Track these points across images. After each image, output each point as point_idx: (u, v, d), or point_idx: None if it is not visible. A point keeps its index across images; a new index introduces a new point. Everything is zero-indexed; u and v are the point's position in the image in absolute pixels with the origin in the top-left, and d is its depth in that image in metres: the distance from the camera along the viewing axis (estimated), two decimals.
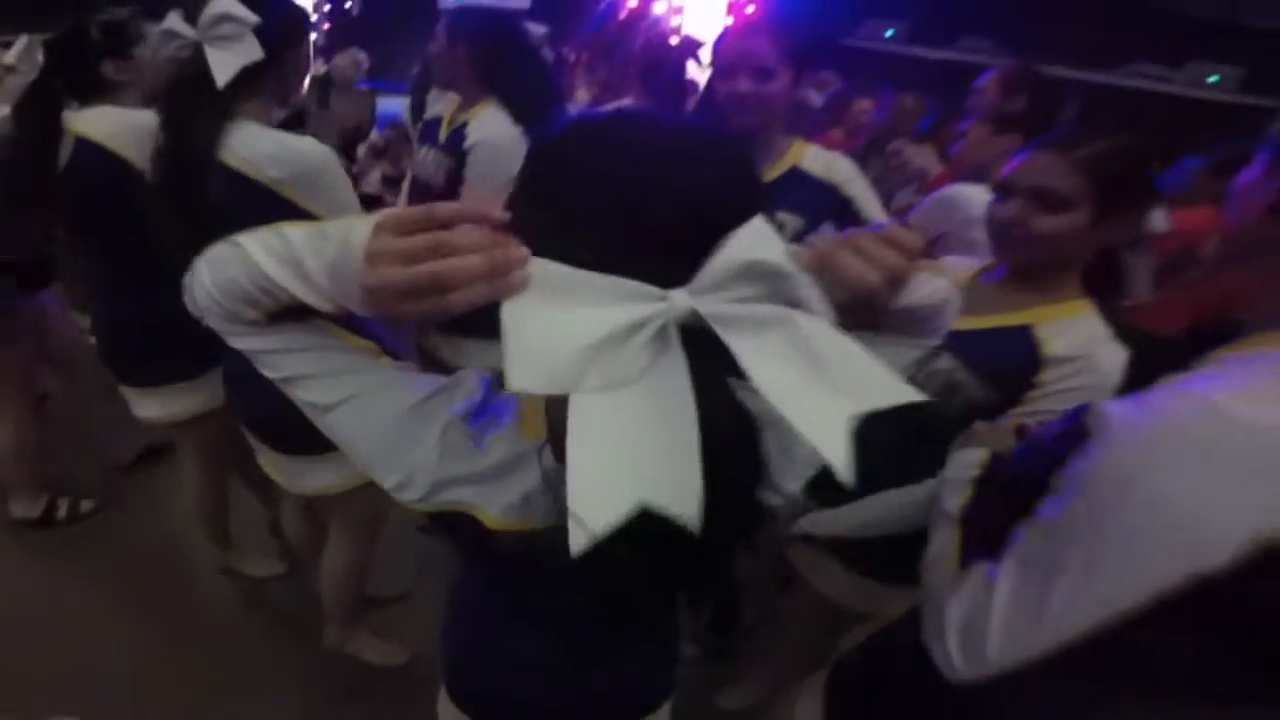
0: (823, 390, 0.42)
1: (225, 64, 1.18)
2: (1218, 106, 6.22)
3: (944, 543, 0.78)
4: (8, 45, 2.37)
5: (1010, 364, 1.03)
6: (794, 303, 0.43)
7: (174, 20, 1.21)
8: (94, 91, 1.52)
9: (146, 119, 1.43)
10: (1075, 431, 0.66)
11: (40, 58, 1.52)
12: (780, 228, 1.38)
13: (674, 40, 2.73)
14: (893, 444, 1.09)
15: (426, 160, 1.74)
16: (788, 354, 0.42)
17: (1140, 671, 0.66)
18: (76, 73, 1.51)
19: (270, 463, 1.48)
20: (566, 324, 0.40)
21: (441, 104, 1.89)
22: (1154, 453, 0.57)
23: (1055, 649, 0.60)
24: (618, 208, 0.45)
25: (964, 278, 1.16)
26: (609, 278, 0.42)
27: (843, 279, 0.47)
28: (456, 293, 0.42)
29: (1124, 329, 1.76)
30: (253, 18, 1.19)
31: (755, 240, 0.43)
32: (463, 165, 1.62)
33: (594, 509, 0.38)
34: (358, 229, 0.47)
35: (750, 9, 5.83)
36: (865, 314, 0.51)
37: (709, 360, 0.42)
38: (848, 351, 0.43)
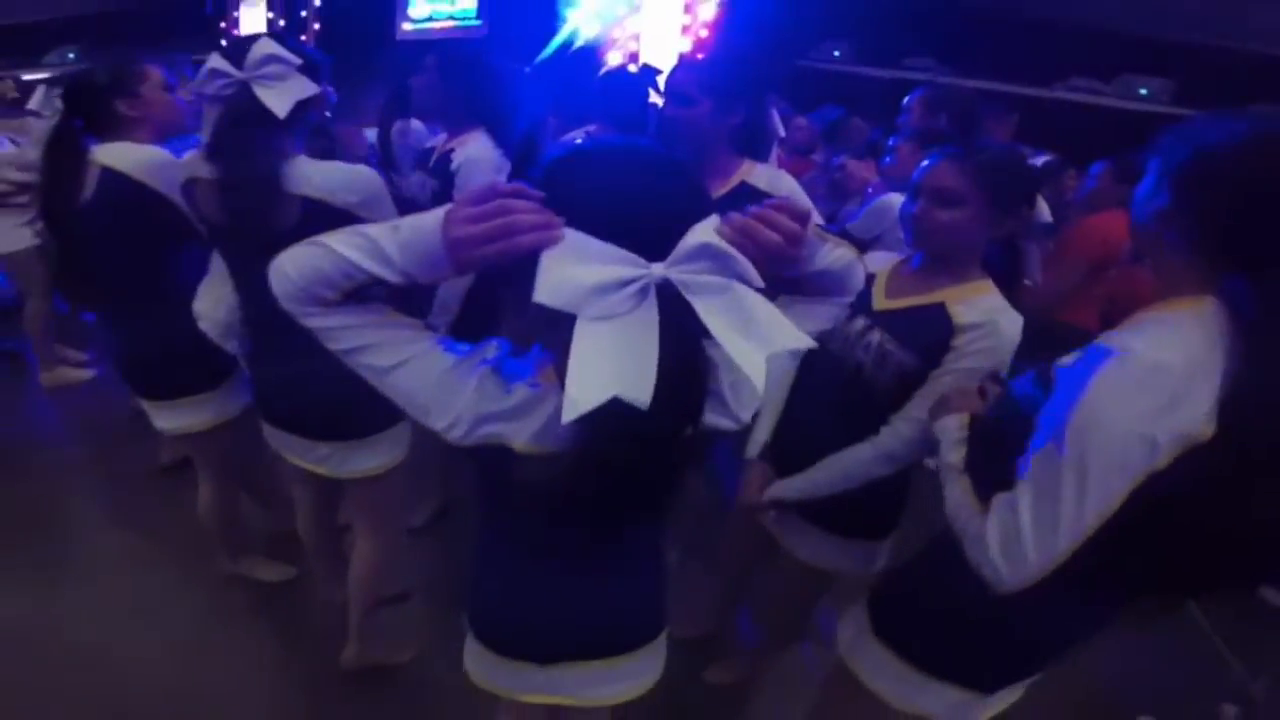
0: (749, 335, 0.61)
1: (280, 99, 1.26)
2: (1150, 117, 6.60)
3: (958, 490, 0.98)
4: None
5: (929, 334, 1.24)
6: (735, 277, 0.62)
7: (217, 60, 1.27)
8: (110, 129, 1.62)
9: (162, 154, 1.57)
10: (1040, 384, 0.89)
11: (59, 102, 1.63)
12: None
13: (632, 68, 2.92)
14: (838, 406, 1.29)
15: (413, 182, 1.93)
16: (728, 310, 0.61)
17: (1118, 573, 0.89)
18: (92, 113, 1.61)
19: (318, 456, 1.57)
20: (580, 270, 0.60)
21: (414, 136, 2.06)
22: (1101, 392, 0.79)
23: (1075, 549, 0.82)
24: (607, 216, 0.64)
25: (888, 268, 1.38)
26: (617, 249, 0.61)
27: (754, 241, 0.65)
28: (519, 238, 0.61)
29: (1047, 323, 1.99)
30: (295, 58, 1.28)
31: (707, 230, 0.63)
32: (448, 184, 1.81)
33: (582, 394, 0.59)
34: (427, 215, 0.67)
35: (704, 33, 6.11)
36: (782, 268, 0.71)
37: (675, 313, 0.62)
38: (767, 310, 0.63)
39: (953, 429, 1.08)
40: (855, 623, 1.22)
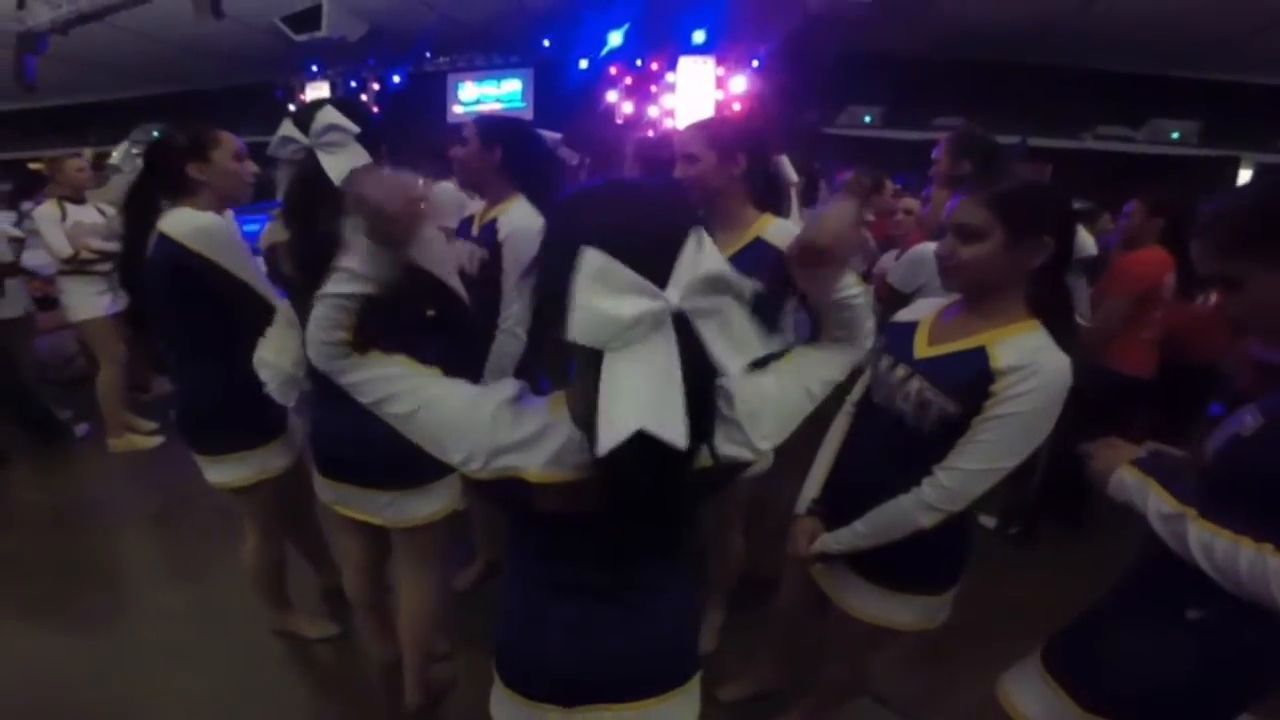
0: (734, 349, 0.70)
1: (338, 166, 1.36)
2: (1182, 160, 6.55)
3: (1208, 535, 0.95)
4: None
5: (968, 380, 1.20)
6: (732, 293, 0.70)
7: (288, 127, 1.39)
8: (179, 191, 1.72)
9: (215, 221, 1.67)
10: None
11: (139, 161, 1.76)
12: None
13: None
14: (884, 458, 1.28)
15: (461, 251, 1.98)
16: (721, 330, 0.70)
17: None
18: (166, 174, 1.72)
19: (378, 505, 1.60)
20: (610, 304, 0.65)
21: (472, 205, 2.17)
22: None
23: None
24: (612, 246, 0.67)
25: (932, 315, 1.37)
26: (636, 276, 0.66)
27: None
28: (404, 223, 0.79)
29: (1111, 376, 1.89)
30: (354, 127, 1.38)
31: (705, 257, 0.69)
32: (496, 253, 1.87)
33: (615, 427, 0.65)
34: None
35: (736, 107, 6.33)
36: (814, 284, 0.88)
37: (684, 338, 0.68)
38: (748, 328, 0.71)
39: (1130, 482, 1.06)
40: (1048, 702, 1.16)
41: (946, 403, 1.22)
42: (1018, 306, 1.24)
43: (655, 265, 0.67)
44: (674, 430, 0.64)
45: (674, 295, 0.67)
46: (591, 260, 0.65)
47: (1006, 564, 2.62)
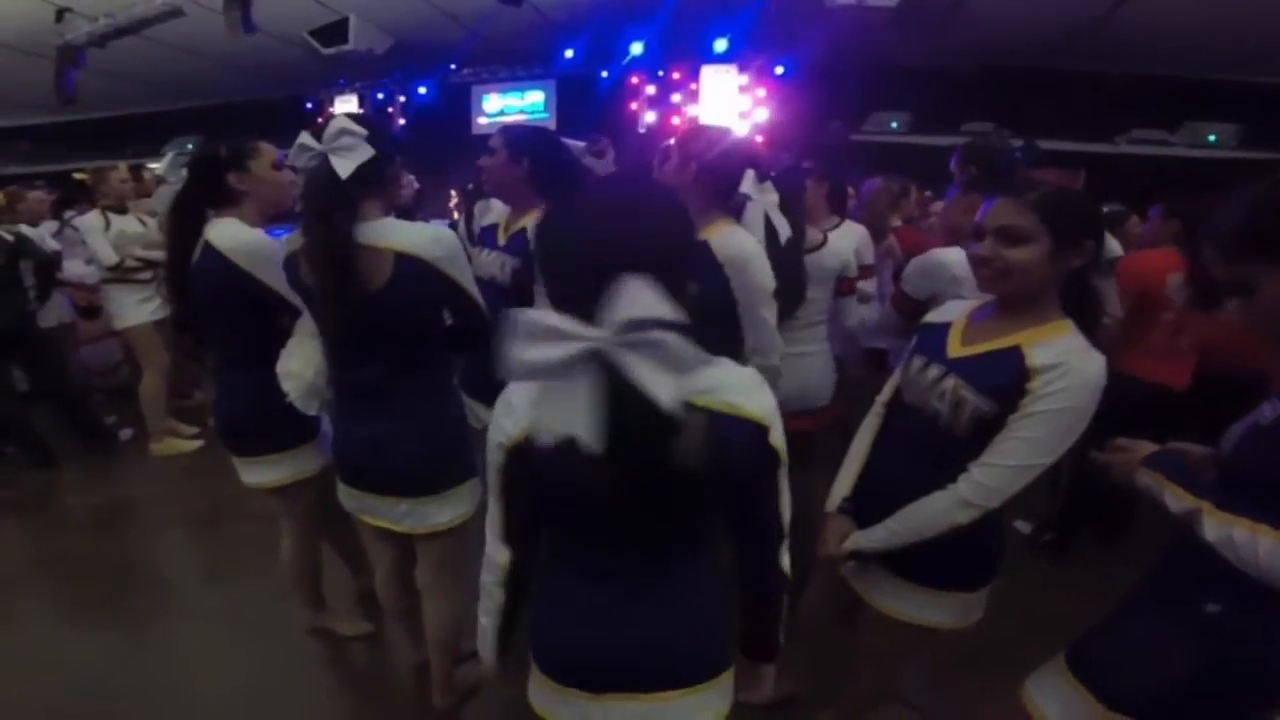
0: (668, 374, 0.72)
1: (345, 165, 1.42)
2: (1221, 164, 6.41)
3: (1225, 526, 0.95)
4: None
5: (1004, 379, 1.21)
6: (665, 326, 0.71)
7: (305, 137, 1.45)
8: (223, 201, 1.79)
9: (258, 237, 1.74)
10: None
11: (184, 171, 1.83)
12: None
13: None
14: (918, 456, 1.28)
15: (489, 261, 2.01)
16: (655, 360, 0.71)
17: None
18: (209, 183, 1.78)
19: (398, 514, 1.63)
20: (533, 357, 0.72)
21: (493, 213, 2.20)
22: None
23: None
24: (559, 273, 0.79)
25: (964, 315, 1.37)
26: (560, 321, 0.71)
27: None
28: None
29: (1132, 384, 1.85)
30: (363, 130, 1.44)
31: (640, 301, 0.70)
32: (527, 263, 1.89)
33: (550, 431, 0.75)
34: None
35: (762, 114, 6.33)
36: None
37: (614, 367, 0.72)
38: (686, 350, 0.72)
39: (1146, 483, 1.08)
40: (1068, 701, 1.17)
41: (981, 402, 1.23)
42: (1052, 307, 1.24)
43: (595, 296, 0.72)
44: (593, 439, 0.73)
45: (604, 333, 0.71)
46: (523, 319, 0.72)
47: (1041, 578, 2.59)
